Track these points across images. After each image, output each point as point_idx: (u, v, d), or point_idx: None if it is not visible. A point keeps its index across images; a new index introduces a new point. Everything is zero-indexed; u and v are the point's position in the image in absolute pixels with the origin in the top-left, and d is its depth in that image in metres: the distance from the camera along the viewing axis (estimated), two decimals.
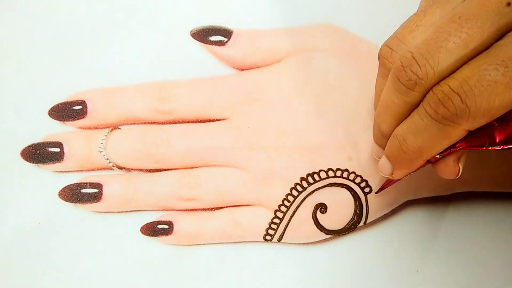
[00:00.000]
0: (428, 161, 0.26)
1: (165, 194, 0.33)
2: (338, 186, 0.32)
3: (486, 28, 0.22)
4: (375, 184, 0.32)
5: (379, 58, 0.26)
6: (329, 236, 0.33)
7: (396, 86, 0.24)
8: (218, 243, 0.34)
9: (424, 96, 0.23)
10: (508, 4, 0.22)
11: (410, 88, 0.23)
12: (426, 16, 0.24)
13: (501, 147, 0.25)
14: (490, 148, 0.25)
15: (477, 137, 0.24)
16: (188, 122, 0.34)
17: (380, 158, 0.28)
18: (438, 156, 0.25)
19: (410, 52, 0.23)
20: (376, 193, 0.32)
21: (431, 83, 0.23)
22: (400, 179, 0.29)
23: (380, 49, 0.25)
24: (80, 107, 0.34)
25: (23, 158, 0.33)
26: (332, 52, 0.33)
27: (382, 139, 0.27)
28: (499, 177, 0.33)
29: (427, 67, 0.23)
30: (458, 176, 0.26)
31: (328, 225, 0.33)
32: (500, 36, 0.22)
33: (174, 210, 0.34)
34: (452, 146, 0.25)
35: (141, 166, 0.34)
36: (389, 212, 0.34)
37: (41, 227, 0.34)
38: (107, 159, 0.33)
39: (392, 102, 0.25)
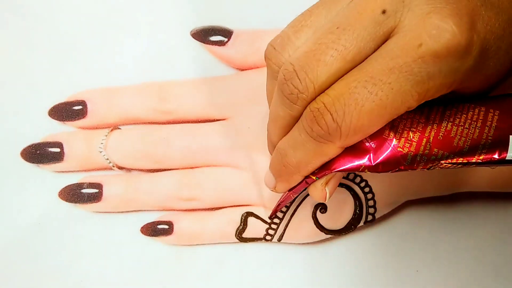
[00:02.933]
0: (305, 181, 0.26)
1: (165, 194, 0.33)
2: (338, 186, 0.32)
3: (362, 39, 0.21)
4: (375, 184, 0.32)
5: (264, 58, 0.25)
6: (329, 236, 0.33)
7: (280, 99, 0.23)
8: (218, 243, 0.34)
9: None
10: (383, 11, 0.21)
11: (293, 101, 0.23)
12: (311, 17, 0.23)
13: (379, 171, 0.24)
14: (367, 171, 0.24)
15: (353, 159, 0.24)
16: (188, 122, 0.34)
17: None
18: (314, 178, 0.25)
19: (292, 65, 0.22)
20: (270, 217, 0.32)
21: (311, 97, 0.22)
22: (287, 199, 0.29)
23: (266, 48, 0.25)
24: (80, 107, 0.34)
25: (23, 158, 0.33)
26: None
27: (272, 150, 0.27)
28: (499, 177, 0.33)
29: (307, 81, 0.22)
30: (326, 200, 0.26)
31: (328, 225, 0.33)
32: (378, 46, 0.22)
33: (174, 210, 0.34)
34: (327, 168, 0.24)
35: (141, 166, 0.34)
36: (389, 212, 0.34)
37: (41, 227, 0.34)
38: (107, 159, 0.33)
39: (278, 114, 0.24)
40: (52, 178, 0.34)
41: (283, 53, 0.24)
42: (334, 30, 0.22)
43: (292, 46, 0.23)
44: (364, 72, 0.21)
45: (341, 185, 0.32)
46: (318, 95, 0.22)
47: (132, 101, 0.34)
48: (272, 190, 0.28)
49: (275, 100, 0.24)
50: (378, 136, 0.24)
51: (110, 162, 0.33)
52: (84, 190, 0.33)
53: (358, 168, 0.24)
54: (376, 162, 0.24)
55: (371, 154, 0.24)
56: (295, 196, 0.28)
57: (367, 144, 0.24)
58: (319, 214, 0.32)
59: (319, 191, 0.26)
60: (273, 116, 0.25)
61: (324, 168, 0.24)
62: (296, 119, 0.24)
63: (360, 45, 0.21)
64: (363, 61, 0.22)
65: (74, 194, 0.33)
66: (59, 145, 0.33)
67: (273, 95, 0.25)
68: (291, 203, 0.32)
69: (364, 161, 0.24)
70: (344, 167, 0.24)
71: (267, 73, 0.26)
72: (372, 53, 0.22)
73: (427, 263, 0.34)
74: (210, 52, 0.35)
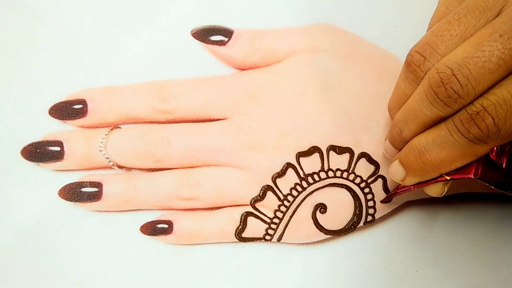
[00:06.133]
0: (436, 178, 0.27)
1: (165, 194, 0.33)
2: (338, 186, 0.32)
3: None
4: (375, 184, 0.32)
5: (408, 64, 0.25)
6: (328, 236, 0.33)
7: (432, 100, 0.24)
8: (218, 242, 0.34)
9: (457, 111, 0.24)
10: None
11: (448, 104, 0.24)
12: (460, 26, 0.24)
13: (503, 191, 0.26)
14: (493, 187, 0.26)
15: (490, 172, 0.26)
16: (188, 121, 0.34)
17: (393, 157, 0.29)
18: (448, 178, 0.26)
19: (450, 69, 0.23)
20: (382, 201, 0.32)
21: (469, 102, 0.23)
22: (406, 191, 0.30)
23: (410, 54, 0.25)
24: (80, 106, 0.34)
25: (24, 157, 0.33)
26: (332, 52, 0.34)
27: (401, 143, 0.27)
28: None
29: (469, 87, 0.23)
30: (441, 196, 0.27)
31: (327, 225, 0.33)
32: None
33: (174, 209, 0.34)
34: (465, 172, 0.25)
35: (141, 166, 0.34)
36: (389, 213, 0.34)
37: (41, 226, 0.34)
38: (107, 158, 0.33)
39: (423, 113, 0.25)
40: (52, 177, 0.34)
41: (431, 60, 0.24)
42: (498, 38, 0.23)
43: (440, 54, 0.24)
44: None
45: (340, 185, 0.32)
46: (475, 99, 0.23)
47: (133, 100, 0.34)
48: (398, 182, 0.28)
49: (420, 100, 0.25)
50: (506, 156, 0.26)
51: (110, 161, 0.33)
52: (84, 189, 0.33)
53: (490, 181, 0.26)
54: (505, 181, 0.26)
55: (501, 173, 0.26)
56: (416, 189, 0.29)
57: (500, 161, 0.26)
58: (318, 214, 0.32)
59: (438, 188, 0.27)
60: (413, 114, 0.25)
61: (462, 172, 0.26)
62: (443, 118, 0.24)
63: None
64: None
65: (74, 193, 0.33)
66: (59, 144, 0.33)
67: (407, 97, 0.26)
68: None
69: (496, 177, 0.26)
70: (482, 178, 0.26)
71: (406, 77, 0.26)
72: None
73: (427, 263, 0.34)
74: (211, 51, 0.35)
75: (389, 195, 0.32)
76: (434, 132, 0.25)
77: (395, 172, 0.28)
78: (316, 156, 0.32)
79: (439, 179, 0.26)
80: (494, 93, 0.23)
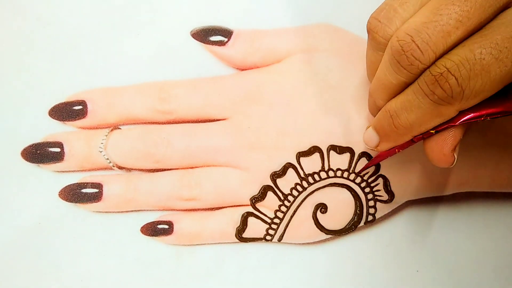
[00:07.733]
0: (412, 141, 0.26)
1: (165, 194, 0.33)
2: (338, 186, 0.32)
3: (484, 9, 0.22)
4: (376, 184, 0.32)
5: (368, 31, 0.25)
6: (329, 236, 0.33)
7: (395, 69, 0.24)
8: (218, 243, 0.34)
9: (420, 74, 0.24)
10: None
11: (411, 71, 0.24)
12: None
13: (500, 115, 0.25)
14: (488, 118, 0.25)
15: (475, 110, 0.25)
16: (188, 122, 0.34)
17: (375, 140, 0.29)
18: (432, 131, 0.26)
19: (409, 36, 0.23)
20: (362, 170, 0.32)
21: (429, 65, 0.23)
22: (383, 159, 0.30)
23: (369, 22, 0.25)
24: (80, 107, 0.34)
25: (24, 158, 0.33)
26: (332, 52, 0.33)
27: (376, 112, 0.28)
28: (499, 177, 0.33)
29: (429, 52, 0.23)
30: (453, 165, 0.26)
31: (328, 225, 0.33)
32: (496, 14, 0.23)
33: (174, 210, 0.34)
34: (450, 120, 0.25)
35: (141, 166, 0.34)
36: (389, 212, 0.34)
37: (41, 227, 0.34)
38: (107, 159, 0.33)
39: (390, 82, 0.25)
40: (53, 178, 0.34)
41: (390, 25, 0.24)
42: (455, 1, 0.22)
43: (399, 17, 0.24)
44: (488, 39, 0.22)
45: (341, 185, 0.32)
46: (437, 59, 0.23)
47: (132, 101, 0.34)
48: (372, 149, 0.29)
49: (385, 69, 0.25)
50: None
51: (110, 162, 0.33)
52: (84, 190, 0.33)
53: (480, 116, 0.25)
54: (499, 111, 0.25)
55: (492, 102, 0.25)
56: (400, 151, 0.29)
57: None
58: (319, 214, 0.33)
59: (448, 157, 0.26)
60: (381, 83, 0.26)
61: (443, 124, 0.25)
62: (408, 83, 0.24)
63: (482, 15, 0.22)
64: (481, 28, 0.23)
65: (74, 194, 0.33)
66: (59, 145, 0.33)
67: (375, 65, 0.26)
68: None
69: (486, 109, 0.25)
70: (467, 119, 0.25)
71: (369, 45, 0.26)
72: (488, 21, 0.23)
73: (427, 263, 0.34)
74: (210, 52, 0.35)
75: (368, 164, 0.32)
76: (402, 96, 0.25)
77: (369, 139, 0.28)
78: (316, 156, 0.32)
79: (414, 139, 0.26)
80: (457, 54, 0.23)
